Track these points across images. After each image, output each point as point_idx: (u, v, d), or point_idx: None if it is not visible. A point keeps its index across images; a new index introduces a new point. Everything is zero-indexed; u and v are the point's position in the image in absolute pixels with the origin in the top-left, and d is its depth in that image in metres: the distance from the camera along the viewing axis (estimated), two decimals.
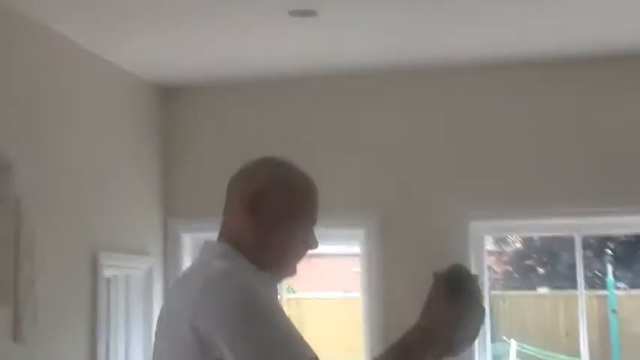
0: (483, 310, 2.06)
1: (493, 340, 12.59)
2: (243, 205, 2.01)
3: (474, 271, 5.03)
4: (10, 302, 4.00)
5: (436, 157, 5.39)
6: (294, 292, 12.69)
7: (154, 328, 2.04)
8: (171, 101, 5.71)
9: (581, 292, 5.47)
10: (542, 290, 14.79)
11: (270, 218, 2.01)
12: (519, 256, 16.44)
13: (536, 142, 5.28)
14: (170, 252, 5.56)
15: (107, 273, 4.82)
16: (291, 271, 2.10)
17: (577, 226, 5.43)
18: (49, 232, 4.31)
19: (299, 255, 2.09)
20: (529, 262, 16.45)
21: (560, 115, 5.28)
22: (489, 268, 16.03)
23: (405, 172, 5.41)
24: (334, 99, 5.57)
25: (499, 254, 16.51)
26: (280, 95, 5.64)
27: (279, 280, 2.12)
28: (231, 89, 5.65)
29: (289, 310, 11.61)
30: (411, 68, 5.35)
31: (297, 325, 1.94)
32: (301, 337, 1.87)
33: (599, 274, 13.23)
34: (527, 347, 12.49)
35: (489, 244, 15.49)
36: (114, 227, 4.98)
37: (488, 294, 13.38)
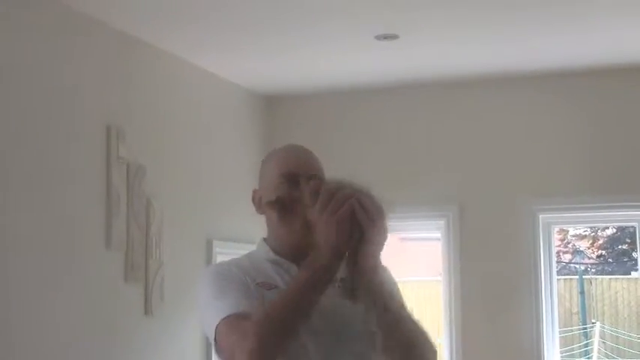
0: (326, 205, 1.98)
1: (583, 322, 12.77)
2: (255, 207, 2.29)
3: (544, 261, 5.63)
4: (142, 282, 4.63)
5: (508, 155, 5.82)
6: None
7: None
8: (274, 108, 6.20)
9: None
10: (636, 274, 14.78)
11: (265, 205, 2.23)
12: (614, 241, 16.48)
13: (599, 140, 5.65)
14: None
15: (220, 258, 5.18)
16: (302, 235, 2.13)
17: (638, 217, 5.81)
18: (174, 224, 4.89)
19: (298, 215, 2.16)
20: (623, 246, 16.42)
21: (622, 115, 5.64)
22: (582, 252, 16.02)
23: (480, 170, 5.85)
24: (417, 107, 6.05)
25: (593, 239, 16.51)
26: (369, 104, 6.12)
27: (307, 247, 2.08)
28: (326, 98, 6.14)
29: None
30: (481, 78, 5.78)
31: None
32: (234, 301, 2.06)
33: None
34: (618, 330, 12.64)
35: (583, 230, 15.56)
36: (225, 220, 5.47)
37: (580, 277, 13.33)
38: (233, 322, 2.04)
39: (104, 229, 4.37)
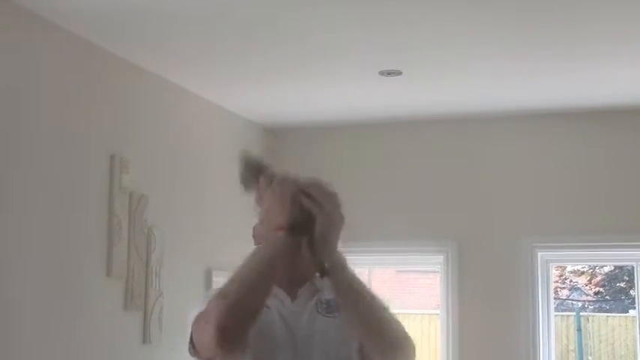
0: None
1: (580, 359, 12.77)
2: None
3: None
4: (141, 311, 4.67)
5: (508, 193, 5.86)
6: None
7: None
8: (276, 141, 6.23)
9: None
10: (633, 313, 14.73)
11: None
12: (612, 279, 16.44)
13: (598, 180, 5.71)
14: None
15: (218, 286, 5.43)
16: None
17: (636, 256, 5.85)
18: (174, 254, 4.92)
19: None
20: (621, 284, 16.37)
21: (621, 155, 5.71)
22: (580, 289, 15.98)
23: (480, 207, 5.90)
24: (419, 142, 6.11)
25: (591, 275, 16.48)
26: (371, 139, 6.19)
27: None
28: (329, 132, 6.21)
29: None
30: (482, 115, 5.85)
31: None
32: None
33: None
34: None
35: (581, 266, 15.54)
36: (225, 250, 5.34)
37: (577, 314, 13.33)
38: (200, 314, 2.12)
39: (105, 257, 4.40)
